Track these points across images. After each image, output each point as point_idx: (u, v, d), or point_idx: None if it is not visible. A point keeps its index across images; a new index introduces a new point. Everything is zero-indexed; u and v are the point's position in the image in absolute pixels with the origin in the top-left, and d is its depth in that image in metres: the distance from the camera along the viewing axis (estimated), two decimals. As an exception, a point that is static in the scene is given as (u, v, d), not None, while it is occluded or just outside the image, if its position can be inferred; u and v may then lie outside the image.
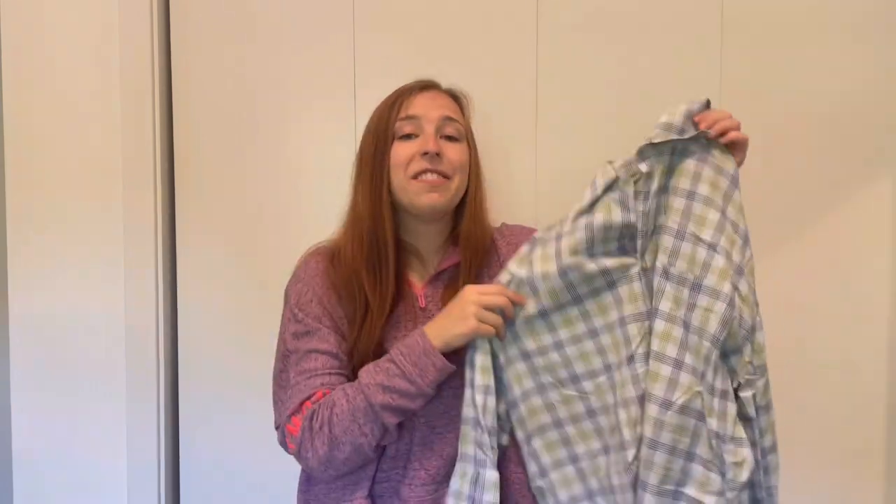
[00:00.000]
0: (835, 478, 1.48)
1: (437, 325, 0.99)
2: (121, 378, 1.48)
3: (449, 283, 1.10)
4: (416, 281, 1.11)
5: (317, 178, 1.47)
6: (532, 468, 1.05)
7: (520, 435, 1.05)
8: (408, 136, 1.07)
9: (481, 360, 0.99)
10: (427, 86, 1.12)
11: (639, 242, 1.00)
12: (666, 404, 0.94)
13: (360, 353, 1.04)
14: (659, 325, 0.97)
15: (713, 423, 0.94)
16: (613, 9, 1.43)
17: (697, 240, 0.96)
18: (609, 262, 0.99)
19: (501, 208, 1.37)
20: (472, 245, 1.10)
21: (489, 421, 0.98)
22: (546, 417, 1.04)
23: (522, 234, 1.18)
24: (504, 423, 1.04)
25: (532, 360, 1.02)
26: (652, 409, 0.94)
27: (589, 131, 1.45)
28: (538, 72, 1.44)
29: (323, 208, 1.42)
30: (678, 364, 0.95)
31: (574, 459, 1.04)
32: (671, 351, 0.95)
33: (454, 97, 1.14)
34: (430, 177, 1.05)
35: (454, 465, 1.02)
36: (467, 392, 1.00)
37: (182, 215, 1.50)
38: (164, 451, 1.49)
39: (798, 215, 1.45)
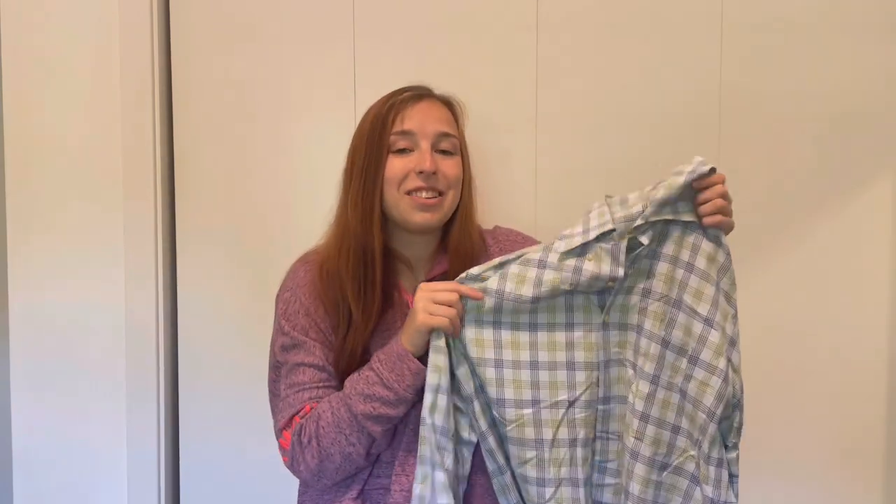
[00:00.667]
0: (834, 478, 1.48)
1: (404, 328, 1.00)
2: (121, 378, 1.48)
3: None
4: (407, 288, 1.11)
5: (316, 179, 1.47)
6: (490, 465, 1.05)
7: (477, 431, 1.04)
8: (402, 151, 1.06)
9: (433, 357, 0.99)
10: (421, 95, 1.09)
11: (609, 297, 1.00)
12: (662, 466, 0.99)
13: (346, 363, 1.05)
14: (660, 392, 0.99)
15: (709, 489, 0.98)
16: (613, 10, 1.43)
17: (694, 313, 0.98)
18: (579, 300, 1.00)
19: (502, 209, 1.38)
20: (462, 255, 1.10)
21: (438, 420, 0.97)
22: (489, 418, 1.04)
23: (514, 239, 1.18)
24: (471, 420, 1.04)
25: (471, 365, 1.02)
26: (641, 469, 0.98)
27: (589, 133, 1.45)
28: (538, 74, 1.44)
29: (322, 209, 1.41)
30: (676, 429, 1.00)
31: (525, 460, 1.04)
32: (669, 417, 0.99)
33: (448, 105, 1.12)
34: (424, 196, 1.05)
35: None
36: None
37: (182, 215, 1.50)
38: (164, 451, 1.49)
39: (798, 215, 1.45)
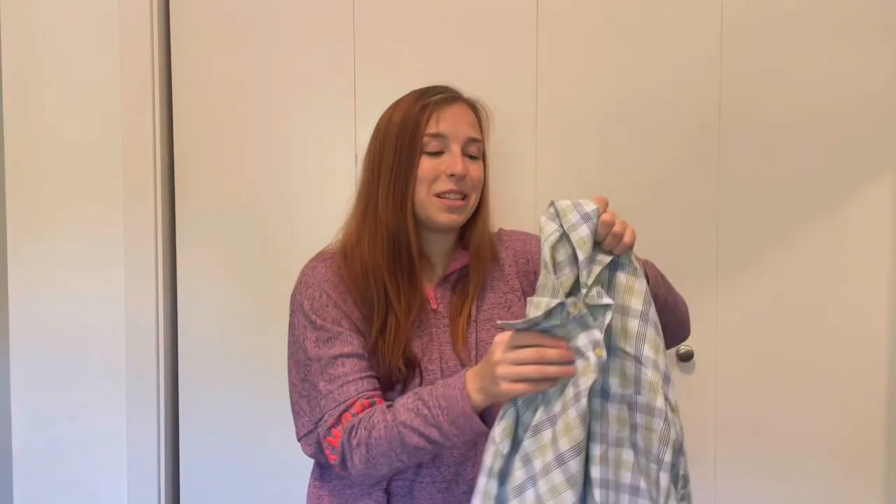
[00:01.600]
0: (835, 478, 1.48)
1: (478, 380, 0.91)
2: (121, 377, 1.48)
3: (456, 286, 1.12)
4: (427, 284, 1.13)
5: (316, 178, 1.47)
6: None
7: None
8: (434, 153, 1.08)
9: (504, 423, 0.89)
10: (453, 98, 1.11)
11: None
12: None
13: (388, 359, 1.04)
14: (611, 452, 0.89)
15: None
16: (613, 10, 1.43)
17: (623, 353, 0.88)
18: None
19: (502, 209, 1.38)
20: (483, 255, 1.12)
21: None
22: None
23: (520, 240, 1.20)
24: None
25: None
26: None
27: (589, 133, 1.45)
28: (538, 73, 1.44)
29: (322, 209, 1.42)
30: (634, 490, 0.89)
31: None
32: (625, 478, 0.89)
33: (475, 109, 1.14)
34: (452, 198, 1.07)
35: (463, 467, 1.04)
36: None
37: (182, 215, 1.50)
38: (164, 451, 1.49)
39: (798, 215, 1.45)
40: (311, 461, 1.12)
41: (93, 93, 1.47)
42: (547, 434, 0.88)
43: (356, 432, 0.98)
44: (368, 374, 1.03)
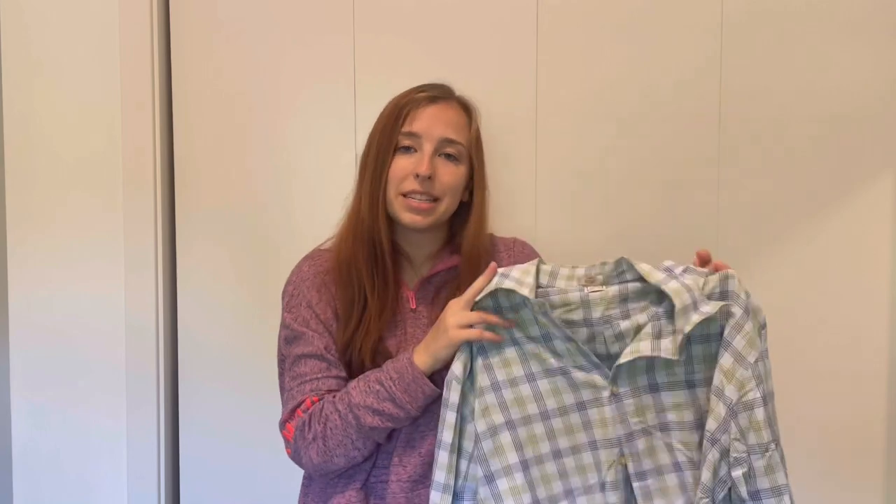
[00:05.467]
0: (835, 479, 1.48)
1: (424, 346, 1.00)
2: (121, 378, 1.48)
3: (442, 287, 1.12)
4: (407, 283, 1.13)
5: (316, 177, 1.47)
6: None
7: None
8: (406, 150, 1.08)
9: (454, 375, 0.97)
10: (437, 97, 1.10)
11: (604, 369, 0.95)
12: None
13: (359, 352, 1.06)
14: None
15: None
16: (613, 9, 1.43)
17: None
18: (579, 376, 0.95)
19: (502, 209, 1.38)
20: (475, 256, 1.11)
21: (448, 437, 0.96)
22: None
23: (528, 254, 1.20)
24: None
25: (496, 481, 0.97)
26: None
27: (589, 133, 1.45)
28: (538, 72, 1.44)
29: (322, 208, 1.42)
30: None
31: None
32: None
33: (464, 107, 1.14)
34: (417, 199, 1.07)
35: (430, 466, 1.02)
36: (443, 412, 0.97)
37: (182, 215, 1.50)
38: (164, 451, 1.49)
39: (798, 215, 1.45)
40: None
41: (93, 92, 1.47)
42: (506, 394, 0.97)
43: (309, 427, 1.01)
44: (326, 375, 1.05)
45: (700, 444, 0.92)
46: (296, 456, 1.04)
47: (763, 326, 0.93)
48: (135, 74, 1.45)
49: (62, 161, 1.48)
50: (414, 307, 1.10)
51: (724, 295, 0.91)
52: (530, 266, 0.97)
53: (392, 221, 1.10)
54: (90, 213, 1.48)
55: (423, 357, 0.99)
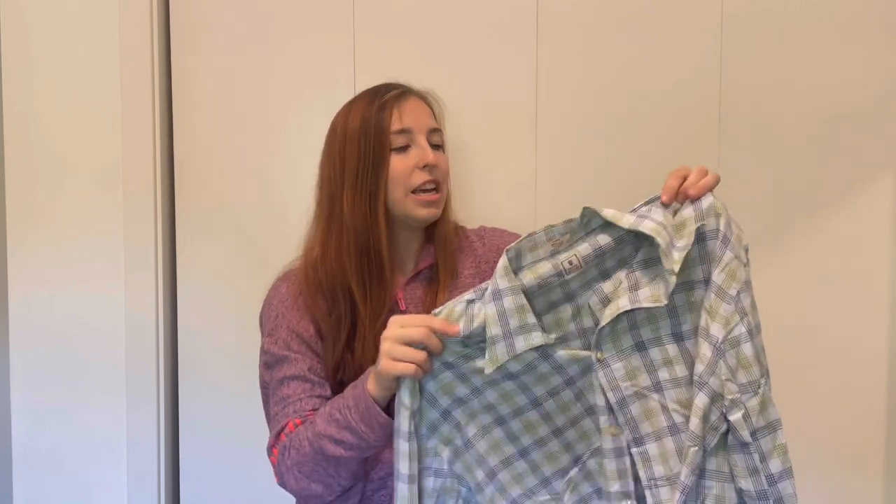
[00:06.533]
0: (834, 477, 1.48)
1: (370, 371, 0.92)
2: (121, 378, 1.48)
3: (428, 284, 1.12)
4: (395, 285, 1.11)
5: (316, 172, 1.46)
6: None
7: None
8: (401, 149, 1.07)
9: (400, 408, 0.88)
10: (404, 92, 1.10)
11: (584, 338, 0.90)
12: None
13: (356, 365, 1.04)
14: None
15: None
16: (613, 9, 1.43)
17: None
18: (562, 354, 0.88)
19: (502, 209, 1.38)
20: (449, 246, 1.12)
21: (404, 468, 0.88)
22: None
23: (503, 238, 1.20)
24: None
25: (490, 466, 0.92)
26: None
27: (588, 133, 1.45)
28: (538, 71, 1.44)
29: (323, 208, 1.42)
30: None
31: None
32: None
33: (427, 101, 1.14)
34: (429, 192, 1.07)
35: None
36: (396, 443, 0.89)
37: (182, 215, 1.50)
38: (163, 451, 1.49)
39: (798, 215, 1.45)
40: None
41: (93, 91, 1.47)
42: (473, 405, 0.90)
43: (288, 453, 0.97)
44: (310, 395, 1.02)
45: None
46: (281, 482, 1.00)
47: (746, 250, 0.86)
48: (135, 74, 1.45)
49: (62, 161, 1.48)
50: (404, 308, 1.10)
51: (700, 226, 0.85)
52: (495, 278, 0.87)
53: (388, 223, 1.09)
54: (90, 213, 1.48)
55: (373, 383, 0.89)
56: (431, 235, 1.13)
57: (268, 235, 1.48)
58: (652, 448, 0.89)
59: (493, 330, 0.84)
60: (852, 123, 1.43)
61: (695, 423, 0.84)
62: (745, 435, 0.84)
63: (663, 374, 0.89)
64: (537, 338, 0.84)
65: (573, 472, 0.93)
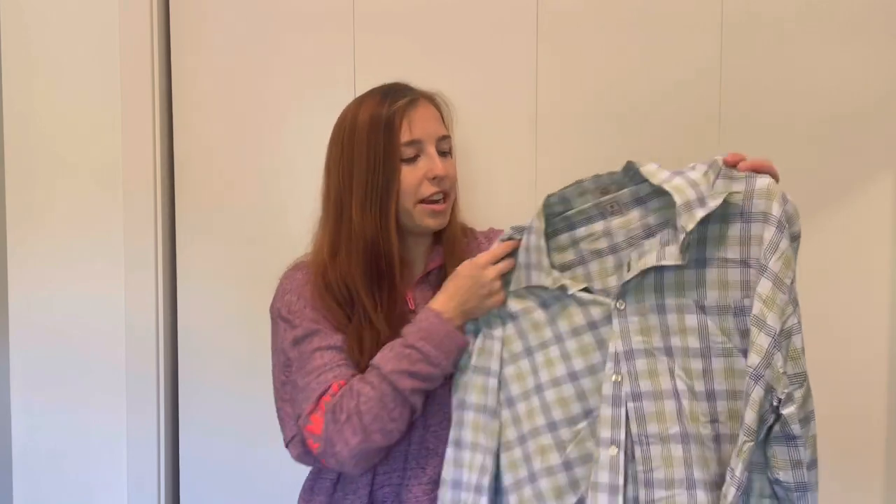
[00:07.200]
0: (834, 478, 1.48)
1: (454, 303, 1.02)
2: (121, 378, 1.48)
3: (437, 285, 1.11)
4: (405, 287, 1.12)
5: (317, 178, 1.46)
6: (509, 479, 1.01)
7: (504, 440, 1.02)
8: (411, 159, 1.07)
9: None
10: (414, 99, 1.09)
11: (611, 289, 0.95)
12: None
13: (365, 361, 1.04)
14: (717, 362, 0.90)
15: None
16: (613, 9, 1.43)
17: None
18: (585, 296, 0.96)
19: (502, 210, 1.38)
20: (457, 247, 1.13)
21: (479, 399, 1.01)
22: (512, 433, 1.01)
23: None
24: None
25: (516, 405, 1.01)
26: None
27: (589, 133, 1.45)
28: (538, 71, 1.44)
29: (323, 208, 1.42)
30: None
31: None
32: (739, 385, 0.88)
33: (435, 104, 1.13)
34: (437, 203, 1.08)
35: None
36: (478, 379, 1.01)
37: (182, 215, 1.50)
38: (164, 451, 1.49)
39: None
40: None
41: (93, 91, 1.47)
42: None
43: (341, 407, 0.97)
44: (347, 364, 1.02)
45: (703, 373, 0.88)
46: (328, 447, 0.97)
47: (797, 237, 0.88)
48: (135, 74, 1.45)
49: (62, 161, 1.48)
50: (413, 308, 1.10)
51: (748, 203, 0.88)
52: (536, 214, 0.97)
53: (399, 231, 1.09)
54: (90, 213, 1.48)
55: (454, 314, 1.01)
56: (440, 237, 1.15)
57: (268, 235, 1.48)
58: (648, 405, 0.91)
59: (521, 257, 0.98)
60: (852, 123, 1.43)
61: (750, 416, 0.83)
62: (796, 428, 0.84)
63: (675, 341, 0.91)
64: (545, 279, 0.95)
65: (582, 425, 0.95)
